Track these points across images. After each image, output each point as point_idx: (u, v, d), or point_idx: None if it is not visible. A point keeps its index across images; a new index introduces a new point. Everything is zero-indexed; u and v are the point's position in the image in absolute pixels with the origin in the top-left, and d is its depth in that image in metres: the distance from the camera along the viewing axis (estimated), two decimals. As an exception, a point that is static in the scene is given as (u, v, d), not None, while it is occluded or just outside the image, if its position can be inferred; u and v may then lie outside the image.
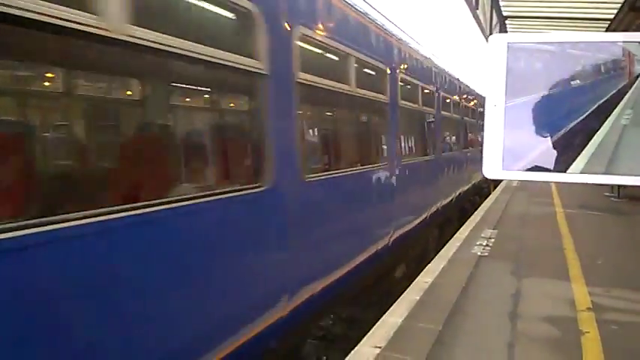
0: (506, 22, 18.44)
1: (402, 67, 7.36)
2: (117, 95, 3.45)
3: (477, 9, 15.07)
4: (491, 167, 1.34)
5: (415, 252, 8.62)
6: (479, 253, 7.59)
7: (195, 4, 3.45)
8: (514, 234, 9.20)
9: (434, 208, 9.51)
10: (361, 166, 6.06)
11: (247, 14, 3.48)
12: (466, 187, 13.66)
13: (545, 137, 1.27)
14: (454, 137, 12.39)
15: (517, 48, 1.28)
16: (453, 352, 4.21)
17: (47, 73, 2.77)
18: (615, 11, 14.58)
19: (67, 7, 2.11)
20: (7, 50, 2.18)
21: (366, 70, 6.11)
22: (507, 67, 1.27)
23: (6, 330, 1.96)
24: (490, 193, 16.62)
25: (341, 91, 5.23)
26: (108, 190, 2.76)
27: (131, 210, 2.50)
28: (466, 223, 10.20)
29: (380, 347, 4.23)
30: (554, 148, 1.27)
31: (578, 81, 1.25)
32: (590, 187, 18.10)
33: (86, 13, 2.21)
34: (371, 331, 4.60)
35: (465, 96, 13.39)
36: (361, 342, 4.39)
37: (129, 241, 2.52)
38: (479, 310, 5.24)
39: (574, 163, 1.26)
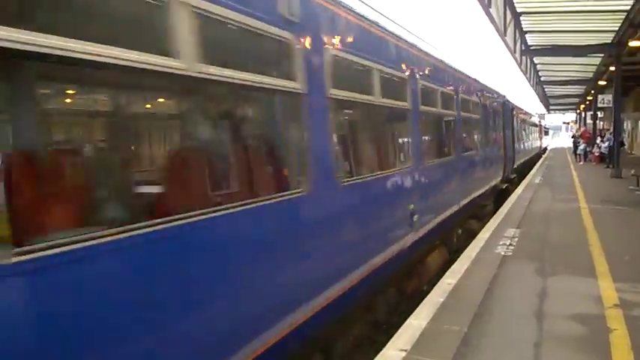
0: (521, 18, 18.28)
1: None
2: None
3: (490, 7, 14.98)
4: None
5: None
6: (502, 253, 7.55)
7: None
8: (538, 232, 9.11)
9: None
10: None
11: None
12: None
13: None
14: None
15: None
16: (478, 354, 4.21)
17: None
18: (632, 2, 14.35)
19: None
20: None
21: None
22: None
23: None
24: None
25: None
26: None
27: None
28: (488, 223, 10.14)
29: (405, 350, 4.25)
30: None
31: None
32: (614, 181, 17.80)
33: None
34: (396, 335, 4.63)
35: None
36: (386, 346, 4.42)
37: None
38: (504, 310, 5.23)
39: None
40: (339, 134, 4.84)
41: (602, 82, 28.13)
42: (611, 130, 23.91)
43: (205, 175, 3.34)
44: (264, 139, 4.28)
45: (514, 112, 19.69)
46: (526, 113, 27.04)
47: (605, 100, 26.52)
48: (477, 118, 11.40)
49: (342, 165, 4.94)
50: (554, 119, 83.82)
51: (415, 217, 6.31)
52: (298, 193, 3.90)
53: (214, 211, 2.93)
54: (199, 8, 2.82)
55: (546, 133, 57.49)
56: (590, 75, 30.23)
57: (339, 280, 4.42)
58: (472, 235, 9.58)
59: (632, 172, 16.18)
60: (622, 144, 24.21)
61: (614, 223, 10.09)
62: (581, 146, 30.07)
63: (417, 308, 5.32)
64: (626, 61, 20.92)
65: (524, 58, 24.76)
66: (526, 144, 26.71)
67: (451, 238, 9.28)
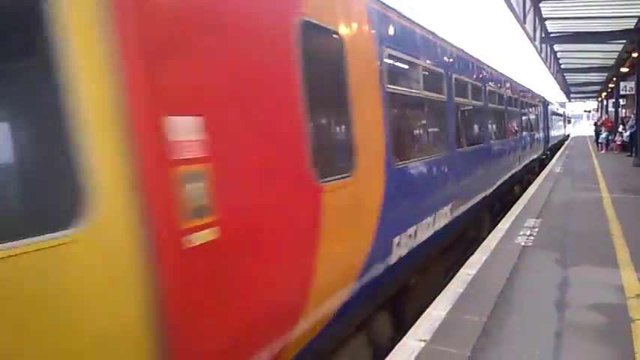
0: (541, 5, 17.98)
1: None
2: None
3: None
4: None
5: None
6: (523, 243, 7.51)
7: None
8: (559, 222, 9.02)
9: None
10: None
11: None
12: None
13: None
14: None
15: None
16: (499, 344, 4.23)
17: None
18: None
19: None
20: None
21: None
22: None
23: None
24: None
25: None
26: None
27: None
28: (508, 214, 10.08)
29: (425, 340, 4.28)
30: None
31: None
32: (637, 170, 17.46)
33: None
34: (416, 324, 4.66)
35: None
36: (406, 335, 4.45)
37: None
38: (525, 300, 5.22)
39: None
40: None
41: (624, 69, 27.52)
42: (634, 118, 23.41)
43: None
44: None
45: (548, 107, 26.66)
46: (552, 104, 32.81)
47: (628, 87, 25.97)
48: (533, 111, 19.30)
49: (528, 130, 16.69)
50: (575, 107, 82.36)
51: (520, 158, 14.38)
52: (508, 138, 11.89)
53: None
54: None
55: (569, 122, 64.21)
56: (612, 62, 29.61)
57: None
58: (529, 182, 15.73)
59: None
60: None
61: (636, 212, 9.94)
62: (603, 134, 29.54)
63: (437, 298, 5.33)
64: (650, 47, 20.43)
65: (544, 45, 24.37)
66: (555, 131, 34.95)
67: (522, 181, 15.89)
